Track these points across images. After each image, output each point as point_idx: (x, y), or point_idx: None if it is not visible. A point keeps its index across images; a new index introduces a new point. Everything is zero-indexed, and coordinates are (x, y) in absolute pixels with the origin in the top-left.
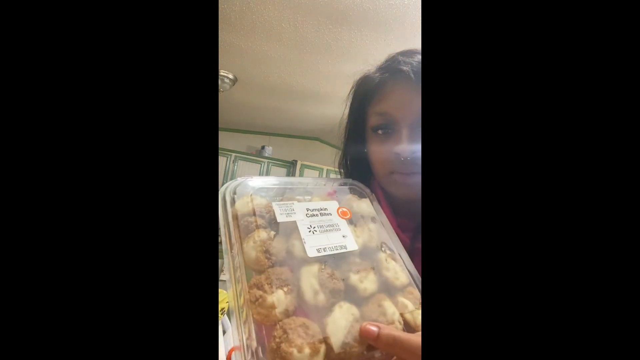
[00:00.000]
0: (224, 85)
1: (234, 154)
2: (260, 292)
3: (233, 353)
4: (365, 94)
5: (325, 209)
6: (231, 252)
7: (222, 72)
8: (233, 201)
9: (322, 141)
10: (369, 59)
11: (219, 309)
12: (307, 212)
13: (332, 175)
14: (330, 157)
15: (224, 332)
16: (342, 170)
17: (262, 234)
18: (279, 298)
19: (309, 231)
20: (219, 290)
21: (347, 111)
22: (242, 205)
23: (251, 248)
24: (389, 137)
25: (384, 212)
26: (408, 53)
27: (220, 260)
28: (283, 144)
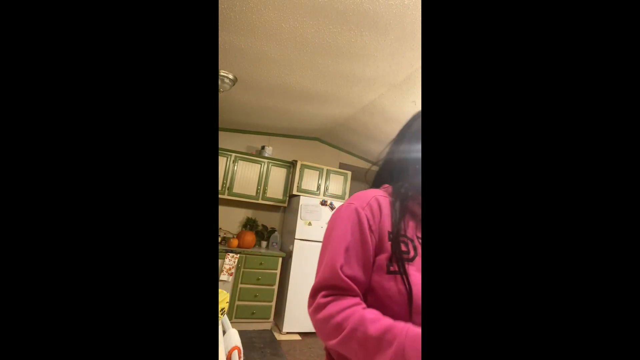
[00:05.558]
0: (224, 85)
1: (234, 154)
2: None
3: (232, 353)
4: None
5: None
6: None
7: (222, 72)
8: None
9: (322, 141)
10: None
11: (219, 309)
12: None
13: (332, 176)
14: (330, 157)
15: (224, 332)
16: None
17: None
18: None
19: None
20: (219, 290)
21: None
22: None
23: None
24: None
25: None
26: None
27: (220, 260)
28: (283, 144)
